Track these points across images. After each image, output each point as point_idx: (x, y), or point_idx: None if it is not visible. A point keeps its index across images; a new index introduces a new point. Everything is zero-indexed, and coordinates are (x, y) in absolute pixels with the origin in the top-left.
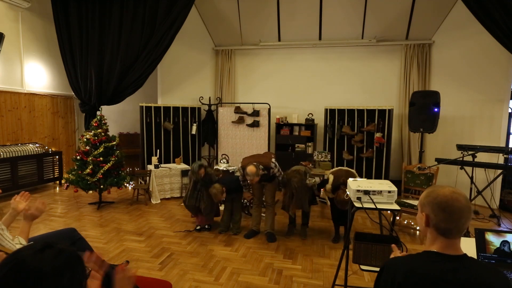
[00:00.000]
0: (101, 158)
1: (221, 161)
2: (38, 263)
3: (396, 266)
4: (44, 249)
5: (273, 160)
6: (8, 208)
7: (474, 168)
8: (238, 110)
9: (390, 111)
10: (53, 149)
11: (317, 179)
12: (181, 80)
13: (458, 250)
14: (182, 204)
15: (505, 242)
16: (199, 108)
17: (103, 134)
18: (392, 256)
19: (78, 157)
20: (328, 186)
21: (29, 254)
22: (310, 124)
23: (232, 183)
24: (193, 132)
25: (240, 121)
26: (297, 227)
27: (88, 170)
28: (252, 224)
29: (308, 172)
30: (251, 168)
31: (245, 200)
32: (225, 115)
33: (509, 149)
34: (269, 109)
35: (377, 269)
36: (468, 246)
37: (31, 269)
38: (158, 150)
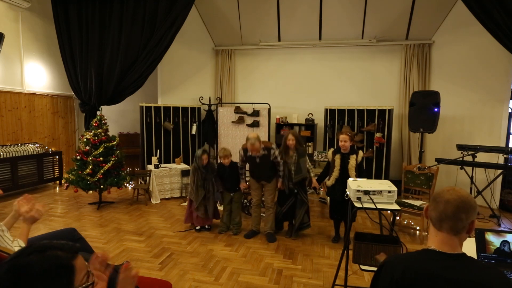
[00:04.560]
0: (101, 158)
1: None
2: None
3: (394, 263)
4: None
5: (274, 146)
6: (8, 208)
7: (474, 168)
8: (238, 110)
9: (390, 111)
10: (53, 149)
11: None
12: (181, 80)
13: (455, 248)
14: (183, 204)
15: (505, 242)
16: (199, 108)
17: (103, 134)
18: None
19: (78, 157)
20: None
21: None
22: (310, 124)
23: (232, 176)
24: (193, 132)
25: (240, 121)
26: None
27: (88, 170)
28: (252, 224)
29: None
30: (253, 134)
31: (245, 200)
32: (225, 115)
33: (509, 149)
34: (269, 109)
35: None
36: (468, 246)
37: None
38: (158, 150)
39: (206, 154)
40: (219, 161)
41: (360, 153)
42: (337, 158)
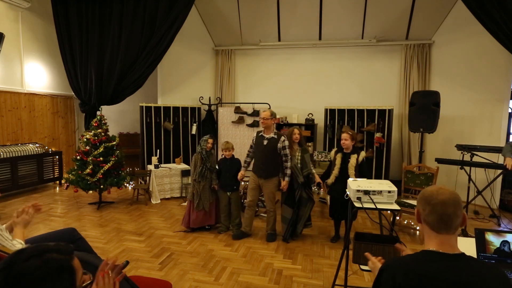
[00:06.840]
0: (101, 158)
1: None
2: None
3: (395, 267)
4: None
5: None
6: (8, 209)
7: (474, 168)
8: (238, 110)
9: (390, 111)
10: (53, 149)
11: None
12: (181, 80)
13: (454, 248)
14: (183, 204)
15: (505, 242)
16: (199, 108)
17: (103, 134)
18: (403, 254)
19: (78, 157)
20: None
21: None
22: (310, 124)
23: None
24: (193, 132)
25: (240, 121)
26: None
27: (88, 170)
28: (243, 225)
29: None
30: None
31: (245, 200)
32: (225, 115)
33: None
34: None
35: None
36: (468, 246)
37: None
38: (158, 150)
39: (213, 139)
40: (221, 155)
41: (362, 153)
42: (338, 157)
